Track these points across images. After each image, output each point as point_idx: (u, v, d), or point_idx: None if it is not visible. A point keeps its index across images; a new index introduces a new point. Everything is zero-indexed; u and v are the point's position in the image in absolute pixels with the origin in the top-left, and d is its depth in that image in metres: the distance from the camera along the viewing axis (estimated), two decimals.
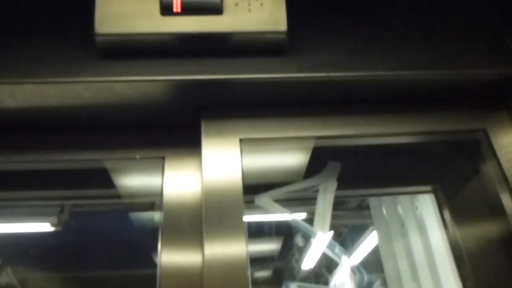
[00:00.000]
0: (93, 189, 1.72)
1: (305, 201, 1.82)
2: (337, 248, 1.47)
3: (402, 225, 2.30)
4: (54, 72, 1.24)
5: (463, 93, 1.45)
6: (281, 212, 1.45)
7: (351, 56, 1.34)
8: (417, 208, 2.16)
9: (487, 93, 1.46)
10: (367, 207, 2.87)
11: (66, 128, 1.39)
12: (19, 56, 1.26)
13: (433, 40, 1.42)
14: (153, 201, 1.78)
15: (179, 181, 1.35)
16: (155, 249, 1.27)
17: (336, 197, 1.55)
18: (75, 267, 3.60)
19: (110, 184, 1.61)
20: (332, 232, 1.66)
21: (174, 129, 1.41)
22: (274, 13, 1.27)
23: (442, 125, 1.43)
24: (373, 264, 2.78)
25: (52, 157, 1.38)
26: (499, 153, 1.40)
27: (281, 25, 1.27)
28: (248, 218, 1.49)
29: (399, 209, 2.33)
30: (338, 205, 3.41)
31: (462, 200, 1.70)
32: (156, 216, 1.66)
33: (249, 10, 1.26)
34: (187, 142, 1.37)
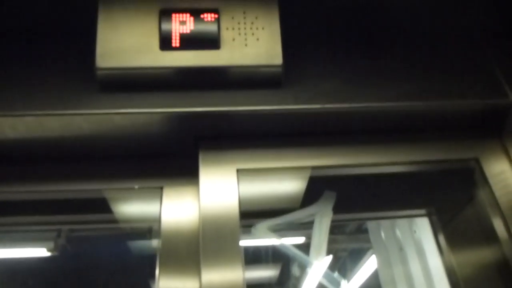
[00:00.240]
0: (90, 215, 1.72)
1: (304, 225, 1.84)
2: (335, 275, 1.48)
3: (401, 249, 2.30)
4: (55, 105, 1.27)
5: (455, 123, 1.48)
6: (278, 242, 1.46)
7: (345, 88, 1.38)
8: (415, 232, 2.17)
9: (479, 123, 1.49)
10: (366, 231, 2.87)
11: (66, 159, 1.41)
12: (20, 89, 1.29)
13: (425, 72, 1.47)
14: (150, 228, 1.79)
15: (177, 210, 1.37)
16: (153, 275, 1.28)
17: (333, 221, 1.56)
18: None
19: (107, 210, 1.62)
20: (330, 259, 1.67)
21: (172, 160, 1.44)
22: (270, 47, 1.31)
23: (435, 155, 1.46)
24: None
25: (52, 187, 1.40)
26: (492, 181, 1.42)
27: (277, 59, 1.30)
28: (246, 243, 1.51)
29: (398, 232, 2.34)
30: (336, 229, 3.41)
31: (458, 225, 1.72)
32: (154, 243, 1.67)
33: (246, 45, 1.30)
34: (185, 172, 1.40)
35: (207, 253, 1.21)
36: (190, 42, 1.29)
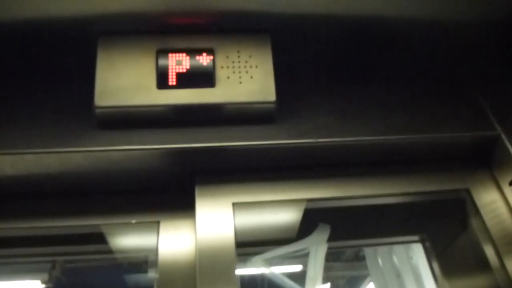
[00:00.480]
0: (86, 247, 1.73)
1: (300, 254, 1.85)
2: None
3: (398, 276, 2.31)
4: (54, 142, 1.29)
5: (445, 155, 1.52)
6: (274, 274, 1.47)
7: (336, 123, 1.42)
8: (412, 258, 2.18)
9: (468, 155, 1.53)
10: (363, 258, 2.87)
11: (65, 195, 1.43)
12: (20, 127, 1.32)
13: (415, 105, 1.51)
14: (146, 259, 1.79)
15: (173, 243, 1.38)
16: None
17: (330, 248, 1.58)
18: None
19: (104, 243, 1.63)
20: (327, 286, 1.68)
21: (169, 194, 1.46)
22: (263, 84, 1.35)
23: (427, 186, 1.48)
24: None
25: (50, 223, 1.41)
26: (483, 211, 1.45)
27: (270, 95, 1.34)
28: (242, 271, 1.51)
29: (395, 259, 2.35)
30: (334, 257, 3.40)
31: (452, 254, 1.73)
32: (150, 275, 1.67)
33: (240, 83, 1.34)
34: (181, 206, 1.42)
35: (204, 285, 1.22)
36: (186, 80, 1.32)
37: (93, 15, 1.32)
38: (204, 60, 1.35)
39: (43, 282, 2.31)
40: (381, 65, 1.60)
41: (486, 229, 1.42)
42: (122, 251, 1.73)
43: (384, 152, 1.47)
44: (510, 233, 1.40)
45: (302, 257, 1.80)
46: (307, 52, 1.53)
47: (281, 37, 1.43)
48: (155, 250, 1.36)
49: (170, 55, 1.34)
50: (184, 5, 1.32)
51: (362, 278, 3.52)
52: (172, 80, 1.32)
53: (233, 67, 1.36)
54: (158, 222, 1.41)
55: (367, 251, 2.66)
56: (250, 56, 1.38)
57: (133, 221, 1.43)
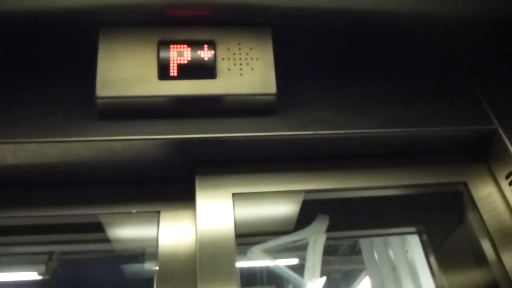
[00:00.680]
0: (85, 236, 1.74)
1: (297, 247, 1.86)
2: None
3: (394, 269, 2.32)
4: (56, 132, 1.30)
5: (443, 149, 1.53)
6: (273, 264, 1.49)
7: (336, 116, 1.43)
8: (407, 252, 2.20)
9: (466, 148, 1.54)
10: (359, 252, 2.89)
11: (66, 184, 1.44)
12: (22, 117, 1.33)
13: (414, 99, 1.53)
14: (143, 251, 1.80)
15: (174, 234, 1.40)
16: None
17: (327, 239, 1.59)
18: None
19: (102, 234, 1.64)
20: (323, 280, 1.69)
21: (169, 185, 1.47)
22: (264, 77, 1.36)
23: (424, 178, 1.50)
24: None
25: (51, 212, 1.42)
26: (479, 204, 1.47)
27: (271, 88, 1.35)
28: (241, 264, 1.52)
29: (390, 253, 2.36)
30: (330, 251, 3.42)
31: (449, 247, 1.75)
32: (147, 266, 1.68)
33: (241, 74, 1.35)
34: (182, 197, 1.43)
35: (203, 276, 1.23)
36: (187, 72, 1.33)
37: (95, 7, 1.32)
38: (205, 52, 1.36)
39: (39, 274, 2.31)
40: (380, 59, 1.61)
41: (482, 222, 1.44)
42: (122, 241, 1.74)
43: (383, 145, 1.48)
44: (506, 226, 1.42)
45: (298, 250, 1.82)
46: (307, 45, 1.54)
47: (282, 30, 1.44)
48: (155, 240, 1.37)
49: (171, 46, 1.35)
50: None
51: (358, 272, 3.54)
52: (173, 72, 1.33)
53: (234, 59, 1.37)
54: (158, 212, 1.42)
55: (363, 245, 2.68)
56: (251, 49, 1.39)
57: (134, 211, 1.44)
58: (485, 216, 1.44)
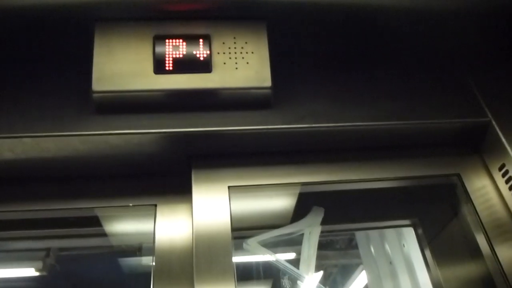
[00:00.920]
0: (82, 231, 1.74)
1: (294, 240, 1.87)
2: None
3: (390, 263, 2.33)
4: (52, 126, 1.31)
5: (437, 141, 1.55)
6: (269, 256, 1.50)
7: (331, 109, 1.44)
8: (404, 246, 2.20)
9: (460, 141, 1.56)
10: (356, 247, 2.89)
11: (62, 178, 1.45)
12: (19, 112, 1.33)
13: (409, 92, 1.54)
14: (140, 245, 1.81)
15: (170, 227, 1.40)
16: None
17: (323, 234, 1.60)
18: None
19: (99, 229, 1.65)
20: (320, 274, 1.70)
21: (166, 178, 1.48)
22: (259, 70, 1.37)
23: (418, 171, 1.51)
24: None
25: (48, 206, 1.42)
26: (473, 196, 1.48)
27: (266, 81, 1.36)
28: (238, 259, 1.53)
29: (387, 246, 2.37)
30: (327, 245, 3.43)
31: (444, 240, 1.76)
32: (144, 260, 1.69)
33: (236, 68, 1.36)
34: (178, 190, 1.44)
35: (200, 269, 1.24)
36: (183, 66, 1.34)
37: (91, 1, 1.32)
38: (200, 46, 1.36)
39: (37, 270, 2.31)
40: (375, 52, 1.62)
41: (476, 214, 1.45)
42: (119, 236, 1.74)
43: (377, 138, 1.49)
44: (499, 218, 1.43)
45: (295, 245, 1.83)
46: (303, 39, 1.55)
47: (277, 24, 1.45)
48: (152, 234, 1.38)
49: (167, 41, 1.36)
50: None
51: (355, 266, 3.55)
52: (169, 66, 1.33)
53: (229, 53, 1.37)
54: (155, 206, 1.43)
55: (360, 239, 2.68)
56: (246, 43, 1.39)
57: (130, 204, 1.45)
58: (478, 208, 1.46)
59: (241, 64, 1.36)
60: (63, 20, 1.38)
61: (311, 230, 1.51)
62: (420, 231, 1.90)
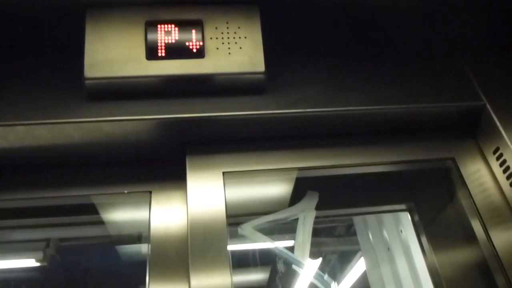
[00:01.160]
0: (77, 218, 1.74)
1: (292, 228, 1.88)
2: (325, 277, 1.52)
3: (388, 249, 2.34)
4: (45, 114, 1.30)
5: (432, 125, 1.55)
6: (264, 241, 1.50)
7: (325, 93, 1.44)
8: (401, 232, 2.21)
9: (455, 125, 1.56)
10: (354, 234, 2.91)
11: (56, 166, 1.44)
12: (11, 99, 1.33)
13: (403, 76, 1.53)
14: (140, 234, 1.81)
15: (165, 214, 1.41)
16: (144, 282, 1.31)
17: (321, 222, 1.60)
18: None
19: (97, 218, 1.65)
20: (319, 261, 1.71)
21: (160, 165, 1.48)
22: (252, 55, 1.36)
23: (413, 155, 1.51)
24: None
25: (43, 194, 1.42)
26: (468, 180, 1.48)
27: (259, 66, 1.36)
28: (235, 247, 1.54)
29: (385, 233, 2.38)
30: (326, 232, 3.45)
31: (439, 226, 1.76)
32: (143, 248, 1.69)
33: (229, 53, 1.35)
34: (173, 177, 1.44)
35: (195, 257, 1.25)
36: (175, 51, 1.33)
37: None
38: (193, 31, 1.35)
39: (37, 261, 2.32)
40: (369, 36, 1.61)
41: (471, 198, 1.45)
42: (116, 224, 1.75)
43: (372, 122, 1.49)
44: (494, 201, 1.44)
45: (291, 232, 1.83)
46: (296, 23, 1.53)
47: (270, 8, 1.44)
48: (148, 223, 1.38)
49: (159, 26, 1.35)
50: None
51: (353, 253, 3.57)
52: (161, 52, 1.33)
53: (222, 38, 1.37)
54: (150, 192, 1.43)
55: (358, 226, 2.69)
56: (239, 27, 1.38)
57: (125, 191, 1.45)
58: (473, 192, 1.46)
59: (234, 49, 1.35)
60: (54, 7, 1.37)
61: (306, 215, 1.51)
62: (416, 216, 1.90)
